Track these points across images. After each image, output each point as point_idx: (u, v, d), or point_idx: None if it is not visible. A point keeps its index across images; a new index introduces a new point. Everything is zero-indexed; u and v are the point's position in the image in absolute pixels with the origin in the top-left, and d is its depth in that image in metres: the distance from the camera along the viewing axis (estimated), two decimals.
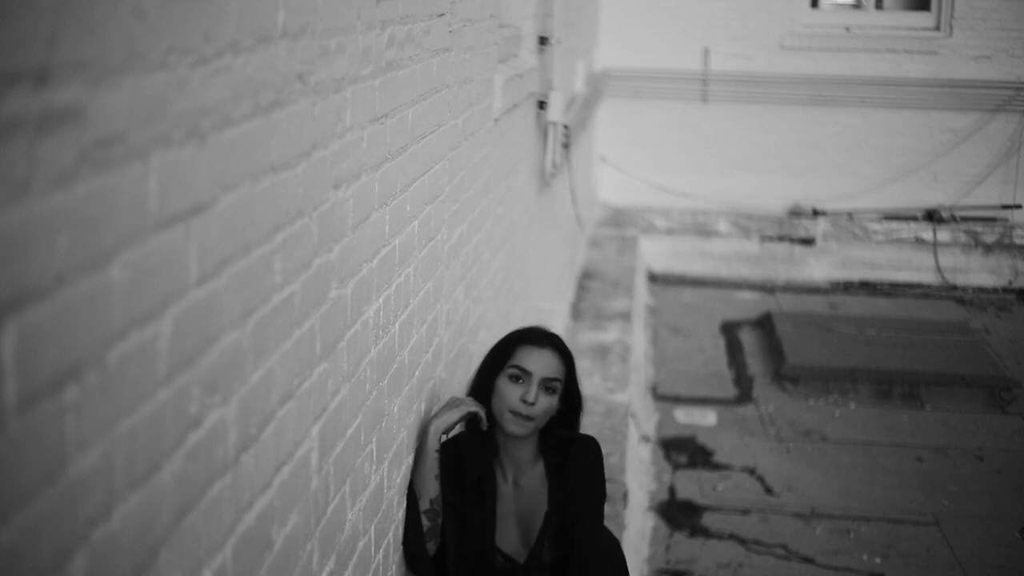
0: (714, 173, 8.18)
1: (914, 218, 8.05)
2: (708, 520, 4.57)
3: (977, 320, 7.24)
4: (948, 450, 5.32)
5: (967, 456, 5.26)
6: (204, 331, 1.24)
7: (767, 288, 7.92)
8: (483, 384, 2.47)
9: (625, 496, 3.99)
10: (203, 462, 1.26)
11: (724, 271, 8.13)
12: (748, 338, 6.87)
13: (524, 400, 2.37)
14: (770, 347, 6.61)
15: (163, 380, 1.14)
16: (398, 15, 2.10)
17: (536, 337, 2.47)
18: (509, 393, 2.40)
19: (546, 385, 2.40)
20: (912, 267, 8.05)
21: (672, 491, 4.83)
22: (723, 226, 8.15)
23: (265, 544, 1.48)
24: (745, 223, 8.14)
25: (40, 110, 0.88)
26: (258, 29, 1.36)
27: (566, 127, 5.22)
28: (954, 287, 7.95)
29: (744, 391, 6.05)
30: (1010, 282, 7.96)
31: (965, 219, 8.01)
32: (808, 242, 8.09)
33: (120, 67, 1.01)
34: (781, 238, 8.13)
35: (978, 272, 8.01)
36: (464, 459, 2.46)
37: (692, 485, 4.89)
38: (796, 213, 8.12)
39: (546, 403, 2.40)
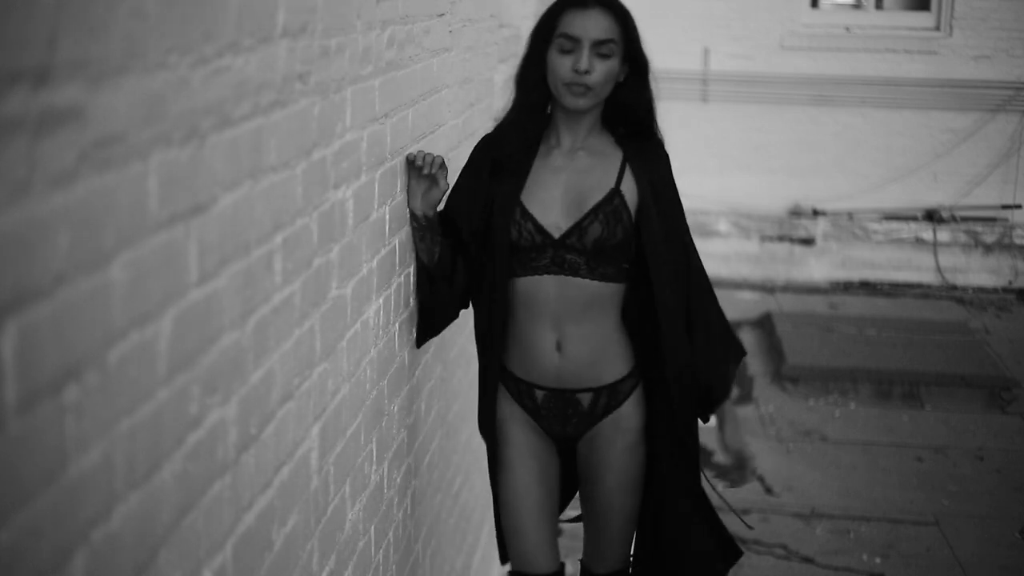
0: (714, 173, 8.17)
1: (914, 218, 8.04)
2: None
3: (977, 320, 7.24)
4: (948, 450, 5.32)
5: (967, 456, 5.25)
6: (204, 331, 1.24)
7: (767, 288, 7.92)
8: (532, 67, 2.25)
9: None
10: (203, 462, 1.26)
11: (724, 271, 8.13)
12: (748, 338, 6.87)
13: (576, 70, 2.15)
14: (770, 347, 6.61)
15: (163, 380, 1.14)
16: (398, 15, 2.10)
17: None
18: (560, 66, 2.18)
19: (599, 51, 2.17)
20: (912, 267, 8.05)
21: None
22: (723, 226, 8.15)
23: (265, 544, 1.48)
24: (745, 223, 8.14)
25: (40, 110, 0.88)
26: (258, 29, 1.36)
27: None
28: (954, 287, 7.95)
29: (744, 391, 6.05)
30: (1010, 282, 7.96)
31: (965, 219, 8.01)
32: (808, 242, 8.09)
33: (120, 67, 1.01)
34: (781, 238, 8.13)
35: (978, 272, 8.00)
36: (510, 145, 2.29)
37: None
38: (796, 213, 8.11)
39: (603, 69, 2.18)
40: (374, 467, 2.11)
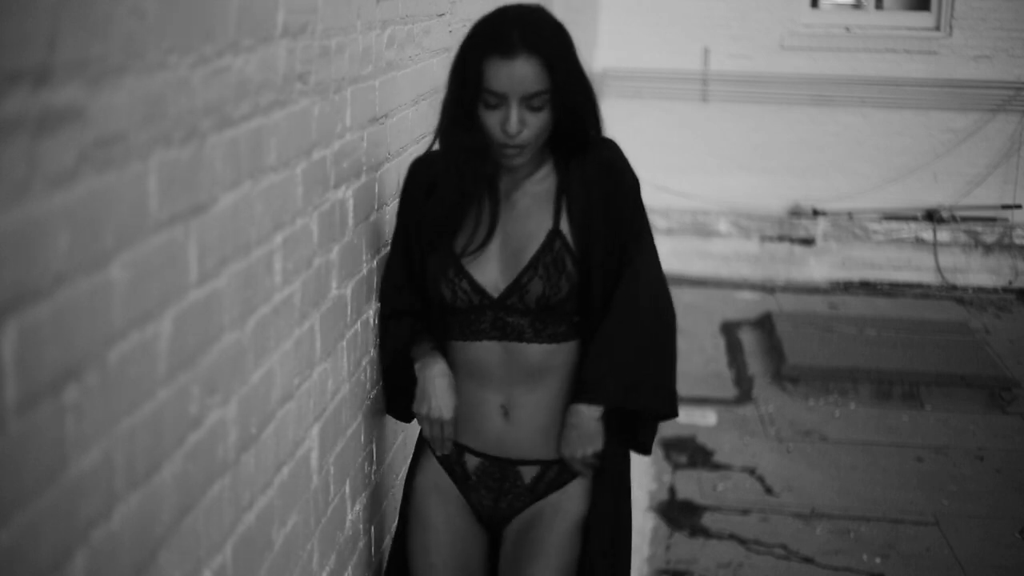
0: (714, 173, 8.17)
1: (914, 218, 8.04)
2: (708, 520, 4.57)
3: (977, 320, 7.24)
4: (948, 450, 5.32)
5: (967, 456, 5.26)
6: (204, 331, 1.24)
7: (767, 288, 7.92)
8: (460, 127, 1.92)
9: None
10: (203, 462, 1.26)
11: (724, 271, 8.13)
12: (748, 338, 6.87)
13: (506, 131, 1.86)
14: (770, 347, 6.61)
15: (163, 380, 1.14)
16: (398, 15, 2.10)
17: (502, 43, 1.85)
18: (489, 123, 1.88)
19: (529, 104, 1.86)
20: (912, 267, 8.05)
21: (672, 491, 4.83)
22: (723, 226, 8.16)
23: (265, 544, 1.48)
24: (745, 223, 8.14)
25: (40, 110, 0.88)
26: (258, 29, 1.36)
27: None
28: (954, 287, 7.95)
29: (744, 391, 6.05)
30: (1010, 282, 7.96)
31: (965, 219, 8.01)
32: (808, 242, 8.09)
33: (120, 67, 1.01)
34: (781, 238, 8.13)
35: (978, 272, 8.00)
36: (443, 180, 1.97)
37: (692, 485, 4.89)
38: (796, 213, 8.12)
39: (536, 124, 1.87)
40: (374, 467, 2.11)
